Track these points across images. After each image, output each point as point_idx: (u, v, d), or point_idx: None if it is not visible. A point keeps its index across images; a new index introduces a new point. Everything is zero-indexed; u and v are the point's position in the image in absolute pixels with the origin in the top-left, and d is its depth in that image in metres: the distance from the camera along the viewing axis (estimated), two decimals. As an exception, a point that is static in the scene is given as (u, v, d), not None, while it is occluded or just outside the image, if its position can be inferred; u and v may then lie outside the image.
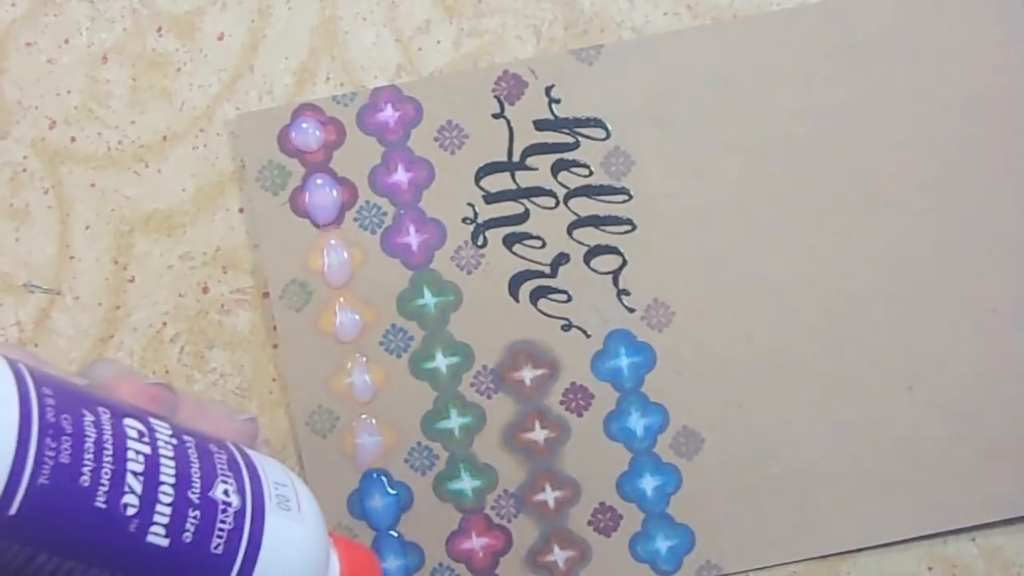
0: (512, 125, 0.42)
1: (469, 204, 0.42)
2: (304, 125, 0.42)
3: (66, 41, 0.43)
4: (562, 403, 0.42)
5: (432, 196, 0.42)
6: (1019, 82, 0.42)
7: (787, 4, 0.43)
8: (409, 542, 0.42)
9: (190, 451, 0.32)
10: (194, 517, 0.30)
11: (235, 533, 0.31)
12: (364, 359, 0.42)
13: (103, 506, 0.28)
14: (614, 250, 0.42)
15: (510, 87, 0.42)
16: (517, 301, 0.42)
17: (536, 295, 0.42)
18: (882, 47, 0.42)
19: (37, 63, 0.43)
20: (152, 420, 0.32)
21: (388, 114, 0.42)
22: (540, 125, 0.42)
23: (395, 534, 0.42)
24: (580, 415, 0.42)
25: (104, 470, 0.29)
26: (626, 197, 0.42)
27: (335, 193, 0.42)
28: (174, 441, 0.31)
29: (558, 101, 0.42)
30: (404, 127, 0.42)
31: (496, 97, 0.42)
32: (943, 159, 0.42)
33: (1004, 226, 0.42)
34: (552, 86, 0.42)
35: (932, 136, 0.42)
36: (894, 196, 0.42)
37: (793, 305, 0.42)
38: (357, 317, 0.42)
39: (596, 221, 0.42)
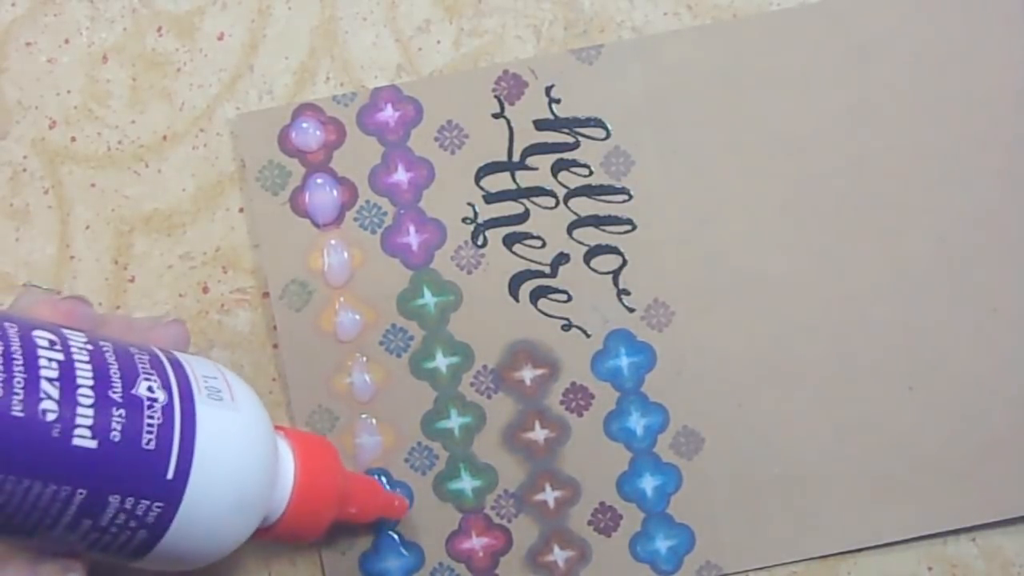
0: (512, 125, 0.42)
1: (469, 204, 0.42)
2: (304, 125, 0.42)
3: (66, 41, 0.43)
4: (562, 403, 0.42)
5: (432, 196, 0.42)
6: (1019, 82, 0.42)
7: (787, 4, 0.43)
8: (409, 542, 0.42)
9: (107, 355, 0.31)
10: (119, 416, 0.30)
11: (165, 427, 0.31)
12: (364, 359, 0.42)
13: (20, 414, 0.28)
14: (614, 250, 0.42)
15: (510, 87, 0.42)
16: (517, 301, 0.42)
17: (536, 295, 0.42)
18: (882, 47, 0.42)
19: (37, 63, 0.43)
20: (65, 331, 0.32)
21: (388, 114, 0.42)
22: (540, 125, 0.42)
23: (395, 534, 0.42)
24: (580, 415, 0.42)
25: (16, 379, 0.29)
26: (626, 197, 0.42)
27: (335, 193, 0.42)
28: (89, 347, 0.31)
29: (558, 101, 0.42)
30: (404, 127, 0.42)
31: (496, 97, 0.42)
32: (943, 159, 0.42)
33: (1004, 226, 0.42)
34: (552, 86, 0.42)
35: (932, 136, 0.42)
36: (894, 196, 0.42)
37: (793, 305, 0.42)
38: (357, 317, 0.42)
39: (596, 221, 0.42)
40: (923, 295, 0.42)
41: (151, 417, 0.31)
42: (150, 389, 0.31)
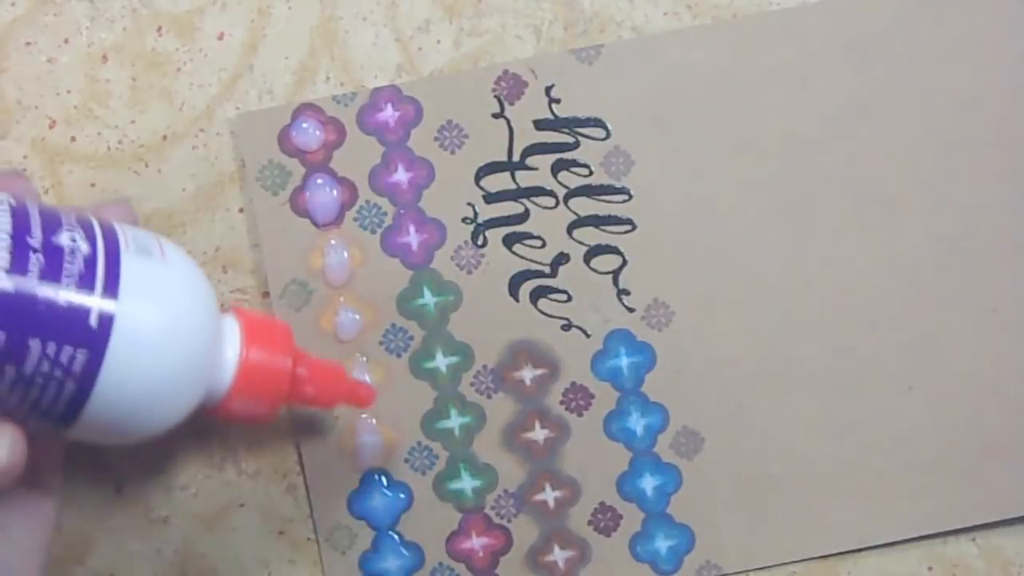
0: (512, 125, 0.42)
1: (469, 204, 0.42)
2: (304, 125, 0.42)
3: (66, 41, 0.43)
4: (562, 403, 0.42)
5: (432, 196, 0.42)
6: (1019, 82, 0.42)
7: (787, 4, 0.43)
8: (409, 542, 0.42)
9: (31, 209, 0.32)
10: (36, 260, 0.31)
11: (87, 275, 0.31)
12: (364, 359, 0.42)
13: None
14: (614, 250, 0.42)
15: (510, 87, 0.42)
16: (517, 301, 0.42)
17: (536, 295, 0.42)
18: (882, 47, 0.42)
19: (37, 63, 0.43)
20: None
21: (388, 114, 0.42)
22: (540, 125, 0.42)
23: (395, 534, 0.42)
24: (580, 415, 0.42)
25: None
26: (626, 197, 0.42)
27: (335, 193, 0.42)
28: (13, 203, 0.32)
29: (558, 101, 0.42)
30: (404, 127, 0.42)
31: (496, 97, 0.42)
32: (943, 159, 0.42)
33: (1004, 226, 0.42)
34: (552, 86, 0.42)
35: (932, 136, 0.42)
36: (894, 196, 0.42)
37: (793, 305, 0.42)
38: (357, 317, 0.42)
39: (596, 221, 0.42)
40: (923, 295, 0.42)
41: (71, 263, 0.31)
42: (72, 239, 0.32)
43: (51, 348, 0.31)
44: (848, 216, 0.42)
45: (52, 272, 0.31)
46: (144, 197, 0.43)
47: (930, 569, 0.42)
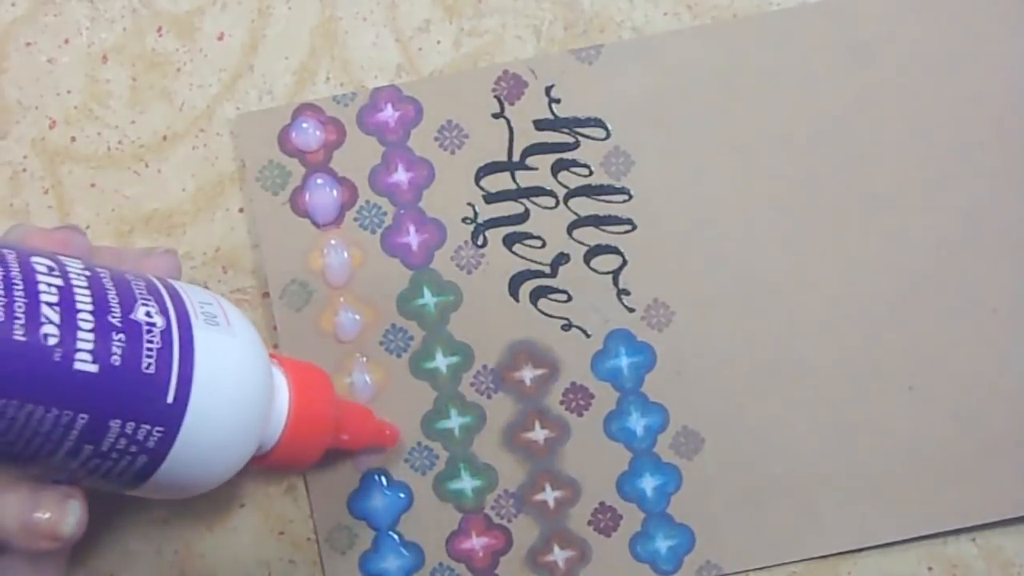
0: (512, 125, 0.42)
1: (469, 204, 0.42)
2: (304, 125, 0.42)
3: (66, 41, 0.43)
4: (562, 403, 0.42)
5: (432, 196, 0.42)
6: (1019, 82, 0.42)
7: (787, 4, 0.43)
8: (409, 542, 0.42)
9: (105, 281, 0.31)
10: (119, 340, 0.30)
11: (164, 351, 0.31)
12: (364, 359, 0.42)
13: (23, 339, 0.28)
14: (614, 250, 0.42)
15: (510, 87, 0.42)
16: (517, 301, 0.42)
17: (536, 295, 0.42)
18: (882, 47, 0.42)
19: (37, 63, 0.43)
20: (62, 257, 0.32)
21: (388, 114, 0.42)
22: (540, 125, 0.42)
23: (395, 534, 0.42)
24: (580, 415, 0.42)
25: (17, 304, 0.29)
26: (626, 197, 0.42)
27: (335, 193, 0.42)
28: (87, 273, 0.31)
29: (558, 101, 0.42)
30: (404, 127, 0.42)
31: (496, 97, 0.42)
32: (943, 159, 0.42)
33: (1004, 226, 0.42)
34: (552, 86, 0.42)
35: (932, 136, 0.42)
36: (894, 196, 0.42)
37: (793, 305, 0.42)
38: (357, 317, 0.42)
39: (596, 221, 0.42)
40: (923, 295, 0.42)
41: (150, 341, 0.31)
42: (148, 314, 0.31)
43: (130, 427, 0.31)
44: (848, 216, 0.42)
45: (133, 352, 0.30)
46: (144, 197, 0.43)
47: (930, 569, 0.42)
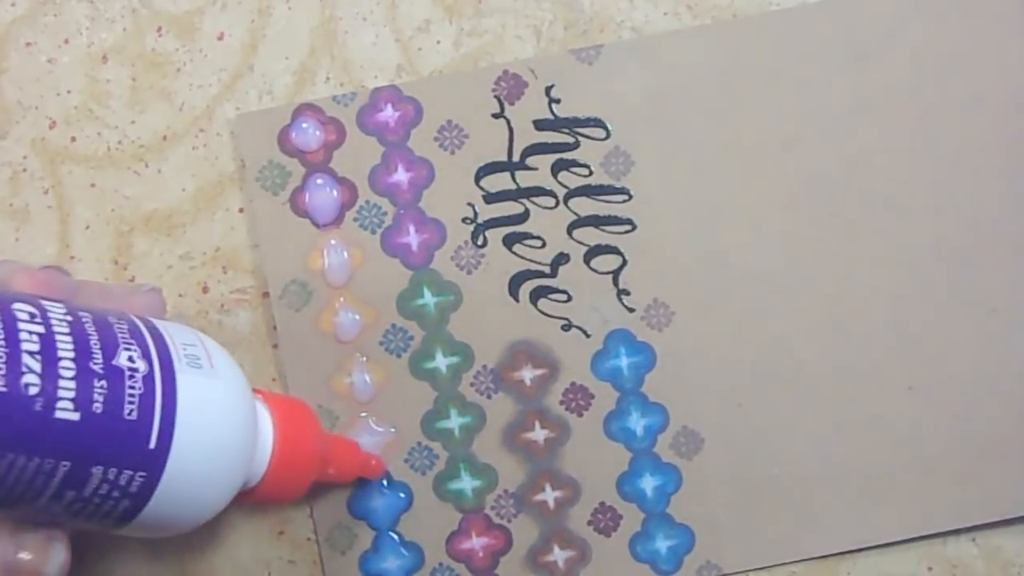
0: (512, 125, 0.42)
1: (469, 204, 0.42)
2: (304, 125, 0.42)
3: (66, 41, 0.43)
4: (562, 403, 0.42)
5: (432, 196, 0.42)
6: (1019, 82, 0.42)
7: (787, 4, 0.43)
8: (409, 542, 0.42)
9: (87, 325, 0.31)
10: (101, 387, 0.30)
11: (147, 396, 0.31)
12: (364, 359, 0.42)
13: (4, 389, 0.28)
14: (614, 250, 0.42)
15: (510, 87, 0.42)
16: (517, 301, 0.42)
17: (536, 295, 0.42)
18: (882, 47, 0.42)
19: (37, 63, 0.43)
20: (44, 302, 0.31)
21: (388, 114, 0.42)
22: (540, 125, 0.42)
23: (395, 534, 0.42)
24: (580, 415, 0.42)
25: None
26: (626, 197, 0.42)
27: (335, 193, 0.42)
28: (69, 318, 0.31)
29: (558, 101, 0.42)
30: (404, 127, 0.42)
31: (496, 97, 0.42)
32: (943, 159, 0.42)
33: (1004, 226, 0.42)
34: (552, 86, 0.42)
35: (932, 136, 0.42)
36: (894, 196, 0.42)
37: (793, 305, 0.42)
38: (357, 317, 0.42)
39: (596, 221, 0.42)
40: (923, 295, 0.42)
41: (132, 387, 0.31)
42: (131, 359, 0.31)
43: (112, 473, 0.31)
44: (848, 216, 0.42)
45: (115, 398, 0.30)
46: (144, 197, 0.43)
47: (930, 569, 0.42)
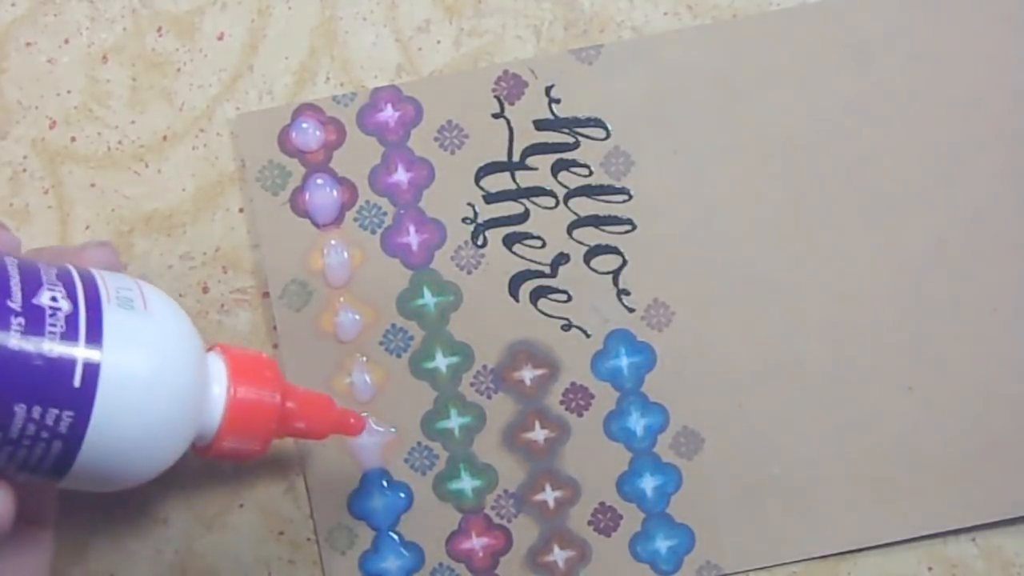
0: (512, 125, 0.42)
1: (469, 204, 0.42)
2: (304, 125, 0.42)
3: (66, 41, 0.43)
4: (562, 403, 0.42)
5: (432, 196, 0.42)
6: (1019, 82, 0.42)
7: (787, 4, 0.43)
8: (409, 542, 0.42)
9: (10, 268, 0.32)
10: (18, 324, 0.30)
11: (69, 334, 0.31)
12: (364, 359, 0.42)
13: None
14: (614, 250, 0.42)
15: (510, 87, 0.42)
16: (517, 301, 0.42)
17: (536, 295, 0.42)
18: (882, 47, 0.42)
19: (37, 63, 0.43)
20: None
21: (388, 114, 0.42)
22: (540, 125, 0.42)
23: (395, 534, 0.42)
24: (580, 415, 0.42)
25: None
26: (626, 197, 0.42)
27: (335, 193, 0.42)
28: None
29: (558, 101, 0.42)
30: (404, 127, 0.42)
31: (496, 97, 0.42)
32: (943, 159, 0.42)
33: (1004, 226, 0.42)
34: (552, 86, 0.42)
35: (932, 136, 0.42)
36: (894, 196, 0.42)
37: (793, 305, 0.42)
38: (357, 317, 0.42)
39: (596, 221, 0.42)
40: (923, 295, 0.42)
41: (53, 324, 0.31)
42: (53, 299, 0.31)
43: (36, 412, 0.30)
44: (848, 216, 0.42)
45: (34, 335, 0.30)
46: (144, 197, 0.43)
47: (930, 569, 0.42)
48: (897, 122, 0.42)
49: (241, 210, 0.43)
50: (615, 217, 0.42)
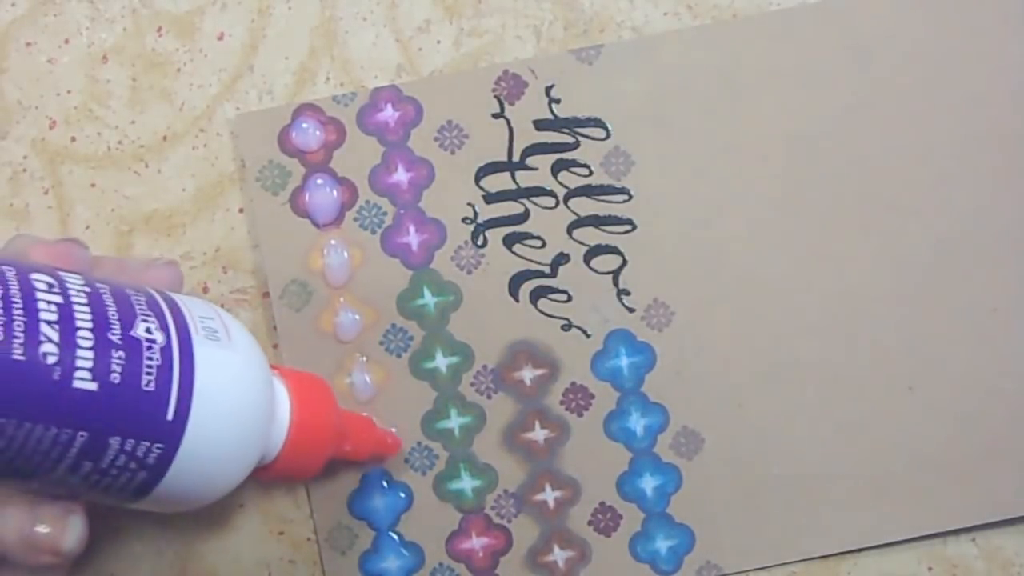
0: (512, 125, 0.42)
1: (469, 204, 0.42)
2: (304, 125, 0.42)
3: (66, 41, 0.43)
4: (562, 403, 0.42)
5: (432, 196, 0.42)
6: (1019, 82, 0.42)
7: (787, 4, 0.43)
8: (409, 542, 0.42)
9: (105, 297, 0.31)
10: (119, 357, 0.30)
11: (164, 368, 0.31)
12: (364, 359, 0.42)
13: (21, 358, 0.28)
14: (614, 250, 0.42)
15: (510, 87, 0.42)
16: (517, 301, 0.42)
17: (536, 295, 0.42)
18: (882, 47, 0.42)
19: (37, 63, 0.43)
20: (63, 273, 0.32)
21: (388, 114, 0.42)
22: (540, 125, 0.42)
23: (395, 534, 0.42)
24: (580, 415, 0.42)
25: (16, 323, 0.29)
26: (626, 197, 0.42)
27: (335, 193, 0.42)
28: (87, 289, 0.31)
29: (558, 101, 0.42)
30: (404, 127, 0.42)
31: (496, 97, 0.42)
32: (943, 159, 0.42)
33: (1004, 226, 0.42)
34: (552, 86, 0.42)
35: (932, 136, 0.42)
36: (894, 196, 0.42)
37: (793, 305, 0.42)
38: (357, 317, 0.42)
39: (596, 221, 0.42)
40: (923, 295, 0.42)
41: (150, 358, 0.31)
42: (148, 331, 0.31)
43: (129, 444, 0.31)
44: (848, 216, 0.42)
45: (133, 369, 0.30)
46: (144, 197, 0.43)
47: (930, 569, 0.42)
48: (897, 122, 0.42)
49: (241, 210, 0.43)
50: (615, 217, 0.42)
